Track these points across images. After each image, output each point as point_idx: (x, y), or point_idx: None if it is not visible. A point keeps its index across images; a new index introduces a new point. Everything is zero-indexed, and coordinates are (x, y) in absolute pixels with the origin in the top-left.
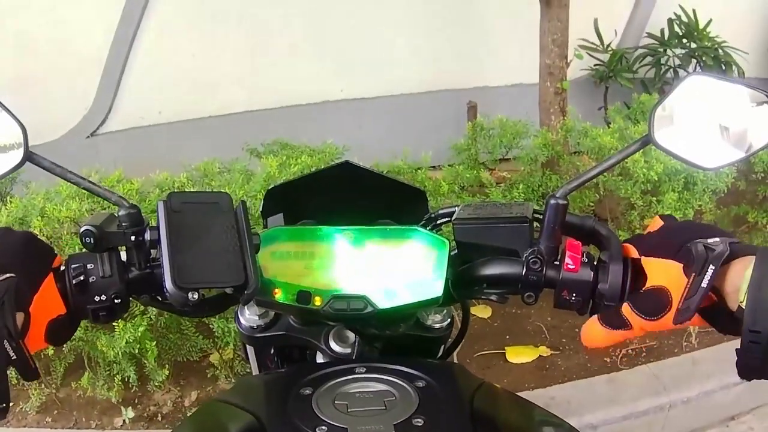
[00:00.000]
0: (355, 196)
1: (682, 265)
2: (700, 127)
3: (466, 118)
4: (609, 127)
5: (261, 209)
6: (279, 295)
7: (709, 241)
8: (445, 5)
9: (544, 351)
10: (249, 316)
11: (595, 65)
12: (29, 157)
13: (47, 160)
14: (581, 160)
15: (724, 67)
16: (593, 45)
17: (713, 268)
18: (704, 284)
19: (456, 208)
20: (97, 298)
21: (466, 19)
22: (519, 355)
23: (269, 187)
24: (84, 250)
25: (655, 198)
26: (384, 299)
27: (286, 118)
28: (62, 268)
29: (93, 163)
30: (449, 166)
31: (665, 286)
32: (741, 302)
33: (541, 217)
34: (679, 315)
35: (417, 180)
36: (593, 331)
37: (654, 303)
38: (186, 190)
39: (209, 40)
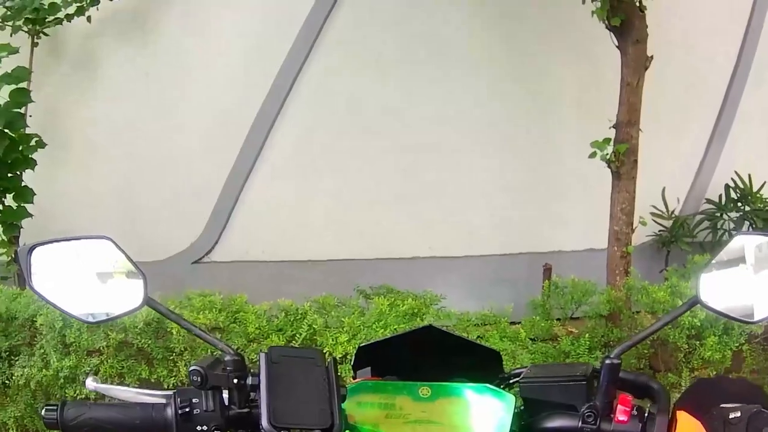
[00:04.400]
0: (437, 354)
1: (704, 429)
2: (746, 283)
3: (542, 278)
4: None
5: (352, 363)
6: None
7: (731, 416)
8: (526, 176)
9: None
10: None
11: (659, 231)
12: (148, 301)
13: (163, 307)
14: (640, 316)
15: None
16: (660, 212)
17: None
18: None
19: (526, 368)
20: (199, 428)
21: (544, 188)
22: None
23: (360, 345)
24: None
25: (698, 342)
26: None
27: (381, 269)
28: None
29: (193, 288)
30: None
31: None
32: None
33: (598, 375)
34: None
35: (499, 328)
36: None
37: None
38: (285, 346)
39: (315, 190)
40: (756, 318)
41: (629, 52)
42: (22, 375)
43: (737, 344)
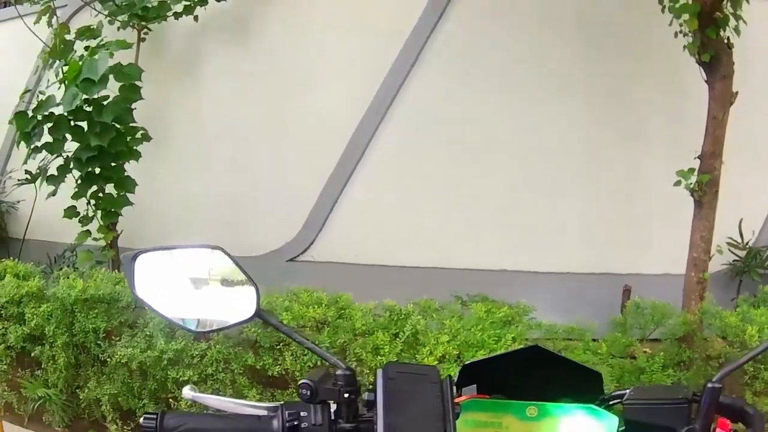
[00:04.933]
0: (540, 374)
1: None
2: None
3: (621, 299)
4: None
5: (457, 380)
6: None
7: None
8: (612, 201)
9: None
10: None
11: (733, 260)
12: (259, 313)
13: (275, 318)
14: (711, 338)
15: None
16: (736, 242)
17: None
18: None
19: (627, 390)
20: None
21: (628, 213)
22: None
23: (465, 363)
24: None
25: (762, 365)
26: None
27: (470, 279)
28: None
29: (287, 285)
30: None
31: None
32: None
33: (698, 398)
34: None
35: (584, 342)
36: None
37: None
38: (401, 362)
39: (410, 200)
40: None
41: (716, 87)
42: (124, 355)
43: None
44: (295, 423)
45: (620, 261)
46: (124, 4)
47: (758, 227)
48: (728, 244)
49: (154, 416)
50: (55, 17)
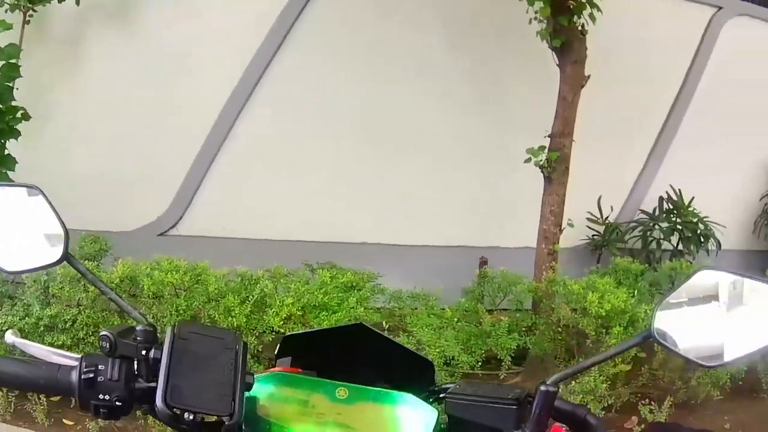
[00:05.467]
0: (366, 356)
1: None
2: (705, 322)
3: (477, 270)
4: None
5: (276, 351)
6: None
7: None
8: (475, 179)
9: None
10: None
11: (593, 236)
12: (66, 257)
13: (82, 266)
14: (559, 306)
15: (702, 240)
16: (595, 218)
17: None
18: None
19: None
20: (101, 396)
21: (485, 190)
22: None
23: (286, 334)
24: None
25: (605, 330)
26: None
27: (330, 251)
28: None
29: (156, 256)
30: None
31: None
32: None
33: (532, 401)
34: None
35: (428, 306)
36: None
37: None
38: (198, 323)
39: (274, 177)
40: (726, 359)
41: (567, 71)
42: (5, 322)
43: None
44: (91, 375)
45: (480, 235)
46: None
47: (617, 204)
48: (588, 219)
49: None
50: None
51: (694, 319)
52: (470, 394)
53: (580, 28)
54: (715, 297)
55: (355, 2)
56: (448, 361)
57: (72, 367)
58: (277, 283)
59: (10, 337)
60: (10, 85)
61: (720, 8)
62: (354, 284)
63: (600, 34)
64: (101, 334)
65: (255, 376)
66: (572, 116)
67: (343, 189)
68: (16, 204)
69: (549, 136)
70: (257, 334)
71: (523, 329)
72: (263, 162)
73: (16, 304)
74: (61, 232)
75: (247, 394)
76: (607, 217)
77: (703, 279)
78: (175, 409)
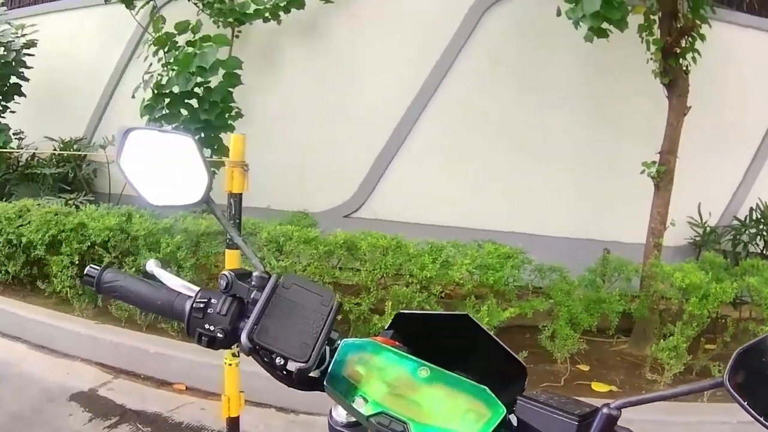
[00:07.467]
0: (464, 347)
1: None
2: None
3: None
4: None
5: (388, 326)
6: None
7: None
8: (602, 186)
9: None
10: (336, 417)
11: (694, 237)
12: (206, 200)
13: (219, 210)
14: (654, 282)
15: None
16: (695, 221)
17: None
18: None
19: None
20: (206, 326)
21: (613, 196)
22: None
23: (399, 311)
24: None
25: (686, 300)
26: None
27: (487, 238)
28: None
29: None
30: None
31: None
32: None
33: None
34: None
35: (562, 276)
36: None
37: None
38: (304, 278)
39: (443, 174)
40: None
41: (673, 102)
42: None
43: None
44: (202, 306)
45: (603, 230)
46: (228, 9)
47: (715, 210)
48: (689, 223)
49: (97, 268)
50: (154, 10)
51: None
52: (540, 402)
53: (684, 68)
54: None
55: (501, 39)
56: (573, 320)
57: (189, 297)
58: (456, 251)
59: (150, 265)
60: (231, 90)
61: None
62: (510, 255)
63: (704, 67)
64: (222, 273)
65: (351, 339)
66: (677, 138)
67: (492, 186)
68: (172, 148)
69: (659, 153)
70: (442, 284)
71: (629, 299)
72: (432, 162)
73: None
74: (207, 177)
75: (337, 354)
76: (706, 221)
77: None
78: (256, 345)
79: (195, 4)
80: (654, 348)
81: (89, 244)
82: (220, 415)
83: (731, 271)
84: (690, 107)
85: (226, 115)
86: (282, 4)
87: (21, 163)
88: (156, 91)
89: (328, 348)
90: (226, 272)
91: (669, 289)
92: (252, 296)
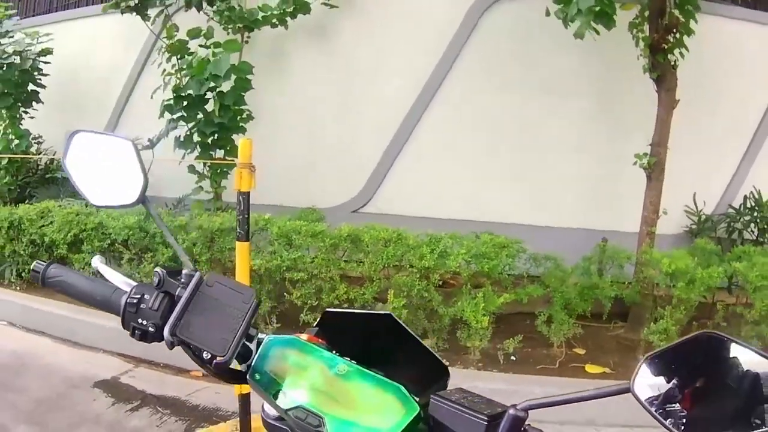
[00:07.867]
0: (386, 346)
1: None
2: (694, 390)
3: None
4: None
5: (317, 323)
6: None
7: None
8: (597, 178)
9: None
10: (267, 410)
11: (690, 225)
12: (143, 201)
13: (155, 210)
14: (645, 268)
15: None
16: (691, 210)
17: None
18: None
19: (455, 389)
20: (139, 320)
21: (608, 188)
22: None
23: (326, 309)
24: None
25: (673, 285)
26: (338, 427)
27: (489, 229)
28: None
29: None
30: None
31: None
32: None
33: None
34: None
35: (557, 264)
36: None
37: None
38: (226, 277)
39: (447, 169)
40: None
41: (662, 96)
42: (253, 264)
43: None
44: (135, 301)
45: (604, 220)
46: (237, 16)
47: (714, 200)
48: (685, 211)
49: (43, 264)
50: (167, 18)
51: (682, 382)
52: (452, 401)
53: (672, 63)
54: (711, 364)
55: (500, 38)
56: (568, 306)
57: (124, 292)
58: (454, 241)
59: (95, 261)
60: (243, 94)
61: None
62: (504, 244)
63: (699, 60)
64: (156, 269)
65: (276, 336)
66: (666, 131)
67: (493, 180)
68: (113, 151)
69: (650, 145)
70: (440, 273)
71: (624, 285)
72: (435, 157)
73: (261, 251)
74: (143, 179)
75: (262, 349)
76: (702, 210)
77: (704, 343)
78: (177, 339)
79: (205, 13)
80: (646, 331)
81: (109, 242)
82: (234, 397)
83: (722, 257)
84: (678, 101)
85: (238, 118)
86: (289, 11)
87: (40, 167)
88: (175, 94)
89: (255, 343)
90: (158, 269)
91: (659, 275)
92: (179, 292)
